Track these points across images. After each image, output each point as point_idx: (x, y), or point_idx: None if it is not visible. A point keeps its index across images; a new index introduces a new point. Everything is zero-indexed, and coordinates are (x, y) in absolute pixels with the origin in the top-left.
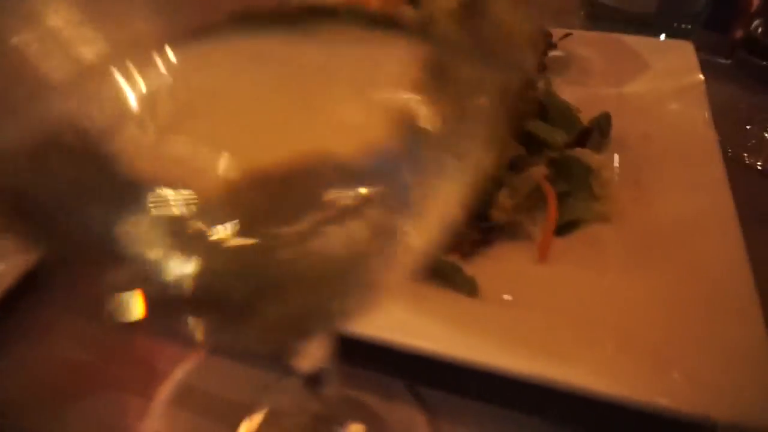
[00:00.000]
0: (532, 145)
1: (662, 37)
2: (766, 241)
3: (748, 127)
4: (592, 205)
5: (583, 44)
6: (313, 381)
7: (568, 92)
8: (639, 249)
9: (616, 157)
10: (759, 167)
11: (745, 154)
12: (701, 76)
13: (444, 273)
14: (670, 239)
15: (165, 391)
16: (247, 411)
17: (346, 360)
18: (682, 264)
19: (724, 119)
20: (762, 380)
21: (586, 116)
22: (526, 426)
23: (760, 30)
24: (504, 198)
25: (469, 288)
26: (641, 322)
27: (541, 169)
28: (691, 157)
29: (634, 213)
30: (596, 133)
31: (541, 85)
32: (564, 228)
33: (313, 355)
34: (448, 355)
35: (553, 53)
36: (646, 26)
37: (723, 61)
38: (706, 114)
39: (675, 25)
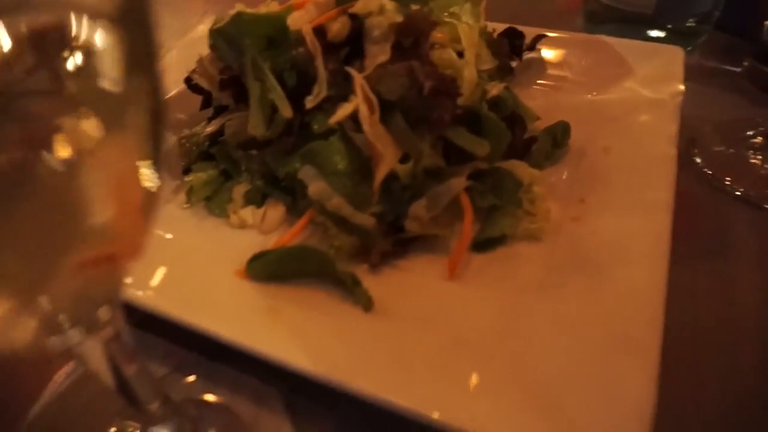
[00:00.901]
0: (459, 154)
1: (654, 36)
2: (721, 273)
3: (731, 150)
4: (520, 221)
5: (564, 46)
6: (126, 391)
7: (538, 97)
8: (558, 273)
9: (566, 171)
10: (738, 194)
11: (728, 178)
12: (681, 87)
13: (344, 284)
14: (593, 266)
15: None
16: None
17: (221, 360)
18: (595, 294)
19: (716, 136)
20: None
21: (548, 123)
22: None
23: None
24: (419, 209)
25: (364, 302)
26: (530, 353)
27: (461, 181)
28: (644, 176)
29: (567, 233)
30: (547, 143)
31: (492, 90)
32: (486, 244)
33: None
34: (312, 373)
35: (529, 55)
36: (651, 27)
37: (732, 68)
38: (674, 130)
39: (685, 26)
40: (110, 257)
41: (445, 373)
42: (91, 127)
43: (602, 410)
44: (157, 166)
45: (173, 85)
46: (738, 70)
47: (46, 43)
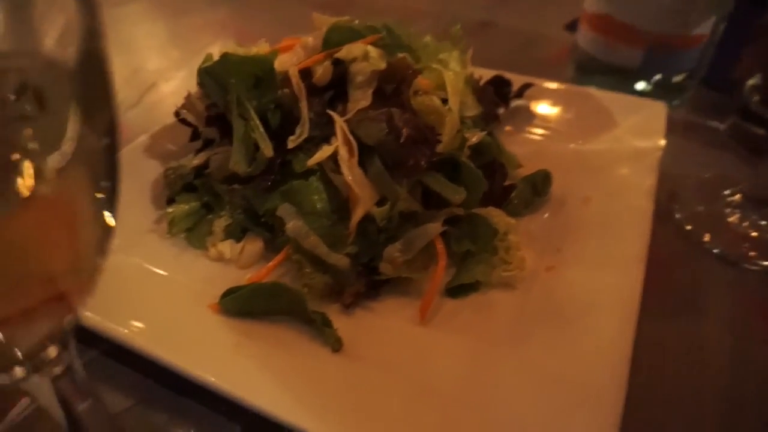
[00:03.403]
0: (436, 199)
1: (641, 88)
2: (692, 330)
3: (711, 207)
4: (494, 269)
5: (552, 96)
6: (77, 428)
7: (523, 144)
8: (529, 323)
9: (545, 219)
10: (715, 251)
11: (707, 235)
12: (662, 142)
13: (314, 323)
14: (564, 317)
15: None
16: None
17: (188, 393)
18: (563, 347)
19: (697, 192)
20: None
21: (532, 170)
22: None
23: (755, 98)
24: (394, 251)
25: (333, 343)
26: (494, 404)
27: (436, 226)
28: (620, 229)
29: (540, 283)
30: (527, 191)
31: (473, 138)
32: (459, 290)
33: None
34: (270, 413)
35: (517, 103)
36: (637, 80)
37: (717, 125)
38: (651, 184)
39: (671, 80)
40: (59, 297)
41: (408, 420)
42: (45, 167)
43: None
44: (112, 203)
45: (168, 116)
46: (722, 126)
47: (5, 88)
